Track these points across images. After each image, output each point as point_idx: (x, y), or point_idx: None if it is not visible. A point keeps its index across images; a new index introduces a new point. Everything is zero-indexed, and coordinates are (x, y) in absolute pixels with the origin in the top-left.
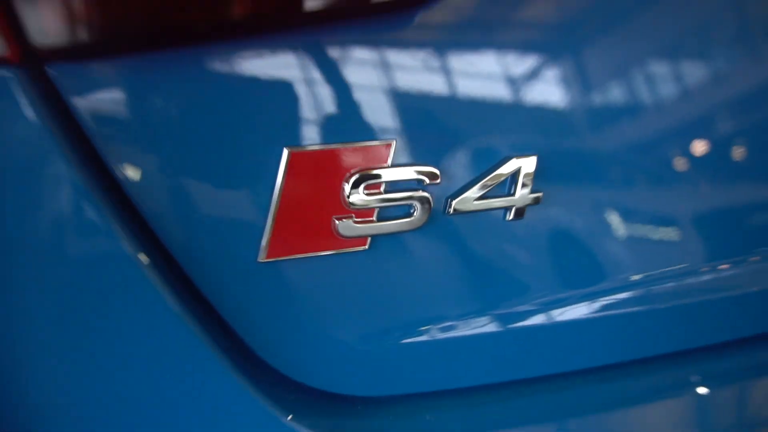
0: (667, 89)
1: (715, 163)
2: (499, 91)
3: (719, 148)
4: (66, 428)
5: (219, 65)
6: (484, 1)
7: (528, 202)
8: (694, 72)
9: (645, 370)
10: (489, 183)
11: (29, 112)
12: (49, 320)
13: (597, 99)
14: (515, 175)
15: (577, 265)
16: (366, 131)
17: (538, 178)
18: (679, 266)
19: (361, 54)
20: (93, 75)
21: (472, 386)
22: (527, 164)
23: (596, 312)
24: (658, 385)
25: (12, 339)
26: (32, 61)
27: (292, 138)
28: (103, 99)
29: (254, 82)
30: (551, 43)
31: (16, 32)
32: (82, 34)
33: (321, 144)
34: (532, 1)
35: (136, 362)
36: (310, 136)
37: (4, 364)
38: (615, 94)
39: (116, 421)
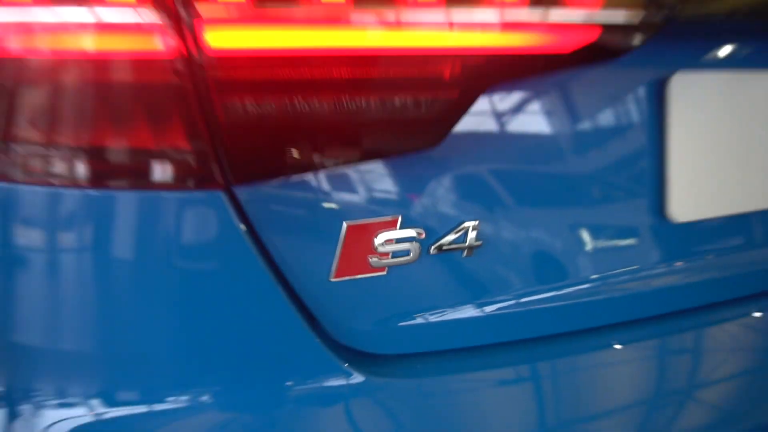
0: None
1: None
2: (454, 195)
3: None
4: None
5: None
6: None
7: (475, 245)
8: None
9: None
10: (452, 236)
11: (223, 228)
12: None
13: (512, 196)
14: (467, 231)
15: (505, 281)
16: (386, 211)
17: (481, 232)
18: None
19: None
20: (274, 194)
21: (461, 347)
22: (474, 225)
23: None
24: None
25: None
26: (227, 184)
27: (349, 216)
28: (280, 213)
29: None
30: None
31: (220, 162)
32: (273, 161)
33: (362, 219)
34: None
35: (262, 336)
36: (358, 216)
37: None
38: (525, 192)
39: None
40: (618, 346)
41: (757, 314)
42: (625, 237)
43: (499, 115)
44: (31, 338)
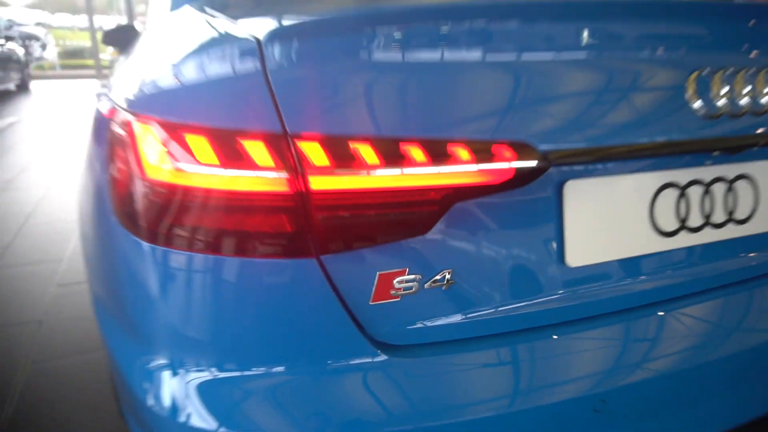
0: None
1: None
2: (437, 257)
3: None
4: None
5: None
6: None
7: (450, 282)
8: None
9: None
10: (437, 277)
11: (314, 276)
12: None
13: None
14: (444, 275)
15: (468, 301)
16: (399, 265)
17: (453, 275)
18: None
19: None
20: (341, 259)
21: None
22: (449, 272)
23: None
24: None
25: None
26: (317, 255)
27: (380, 268)
28: (345, 269)
29: None
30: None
31: (314, 243)
32: (342, 243)
33: (387, 270)
34: None
35: (333, 336)
36: (384, 268)
37: None
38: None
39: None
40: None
41: (621, 327)
42: (543, 275)
43: (462, 217)
44: (188, 332)
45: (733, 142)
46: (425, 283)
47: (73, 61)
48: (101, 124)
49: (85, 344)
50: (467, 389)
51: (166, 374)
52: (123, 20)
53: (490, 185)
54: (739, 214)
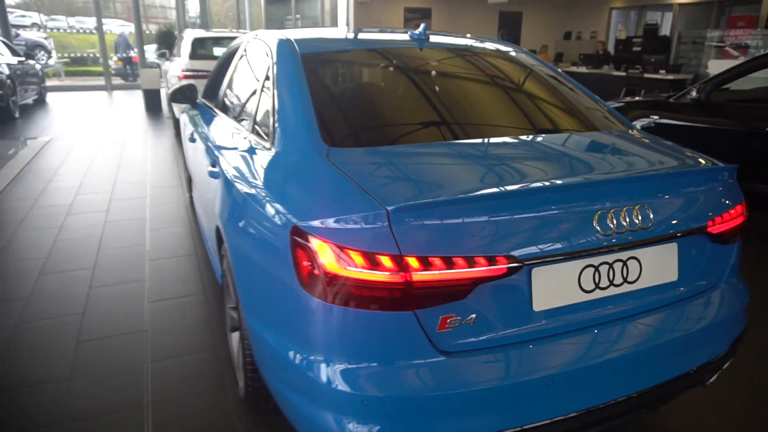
0: None
1: None
2: (467, 311)
3: None
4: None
5: None
6: None
7: (472, 319)
8: None
9: None
10: (469, 317)
11: (407, 321)
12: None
13: None
14: (471, 319)
15: (484, 327)
16: (450, 311)
17: (476, 317)
18: None
19: None
20: (426, 313)
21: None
22: (473, 317)
23: None
24: None
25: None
26: (413, 309)
27: (441, 314)
28: (429, 315)
29: None
30: None
31: (412, 304)
32: (425, 302)
33: (440, 316)
34: None
35: (415, 347)
36: (441, 314)
37: None
38: None
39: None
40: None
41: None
42: (522, 315)
43: (481, 290)
44: (335, 344)
45: (619, 246)
46: (462, 321)
47: (78, 68)
48: (276, 226)
49: (187, 347)
50: (483, 374)
51: (325, 363)
52: (125, 24)
53: (494, 276)
54: (630, 278)
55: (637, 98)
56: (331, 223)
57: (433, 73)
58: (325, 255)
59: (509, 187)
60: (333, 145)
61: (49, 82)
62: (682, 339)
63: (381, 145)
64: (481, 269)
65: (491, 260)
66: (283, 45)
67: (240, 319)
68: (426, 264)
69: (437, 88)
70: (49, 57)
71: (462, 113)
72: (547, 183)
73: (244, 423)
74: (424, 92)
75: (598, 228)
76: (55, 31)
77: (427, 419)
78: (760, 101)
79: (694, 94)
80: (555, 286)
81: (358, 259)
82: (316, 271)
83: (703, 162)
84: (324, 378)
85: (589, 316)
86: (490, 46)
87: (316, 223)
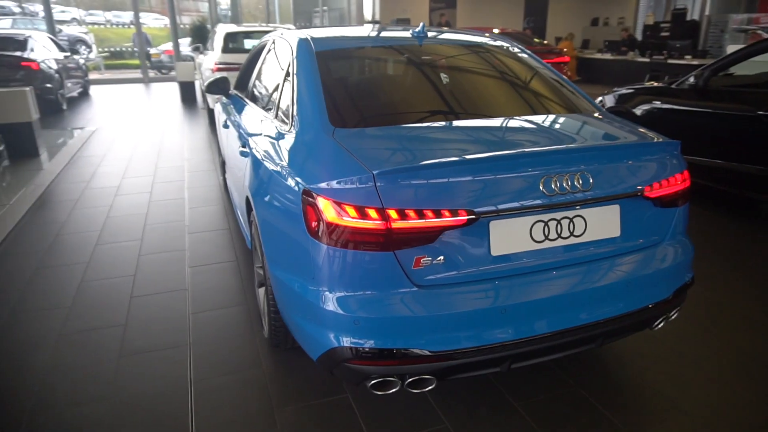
0: None
1: None
2: (437, 252)
3: None
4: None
5: None
6: None
7: (440, 261)
8: None
9: None
10: (440, 258)
11: (387, 258)
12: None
13: None
14: (440, 260)
15: (449, 265)
16: (426, 254)
17: (443, 258)
18: None
19: None
20: (405, 253)
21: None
22: (440, 258)
23: None
24: None
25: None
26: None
27: (416, 254)
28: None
29: None
30: None
31: (392, 245)
32: (404, 244)
33: (415, 256)
34: None
35: (392, 279)
36: (414, 255)
37: None
38: None
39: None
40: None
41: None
42: (482, 258)
43: (447, 236)
44: (336, 278)
45: (563, 205)
46: (433, 261)
47: (117, 61)
48: (291, 191)
49: (222, 303)
50: (449, 303)
51: (327, 293)
52: (159, 17)
53: (456, 225)
54: (576, 232)
55: (645, 84)
56: (333, 184)
57: (428, 65)
58: (328, 209)
59: (470, 156)
60: (338, 126)
61: (90, 76)
62: (621, 283)
63: (375, 126)
64: (445, 219)
65: (454, 213)
66: (302, 44)
67: (264, 273)
68: (403, 215)
69: (430, 78)
70: (90, 51)
71: (448, 99)
72: (501, 153)
73: (267, 359)
74: (418, 82)
75: (543, 190)
76: (93, 26)
77: (403, 336)
78: (757, 86)
79: (692, 80)
80: (509, 236)
81: (351, 211)
82: (320, 223)
83: (647, 138)
84: (326, 305)
85: (539, 261)
86: (481, 41)
87: (321, 185)
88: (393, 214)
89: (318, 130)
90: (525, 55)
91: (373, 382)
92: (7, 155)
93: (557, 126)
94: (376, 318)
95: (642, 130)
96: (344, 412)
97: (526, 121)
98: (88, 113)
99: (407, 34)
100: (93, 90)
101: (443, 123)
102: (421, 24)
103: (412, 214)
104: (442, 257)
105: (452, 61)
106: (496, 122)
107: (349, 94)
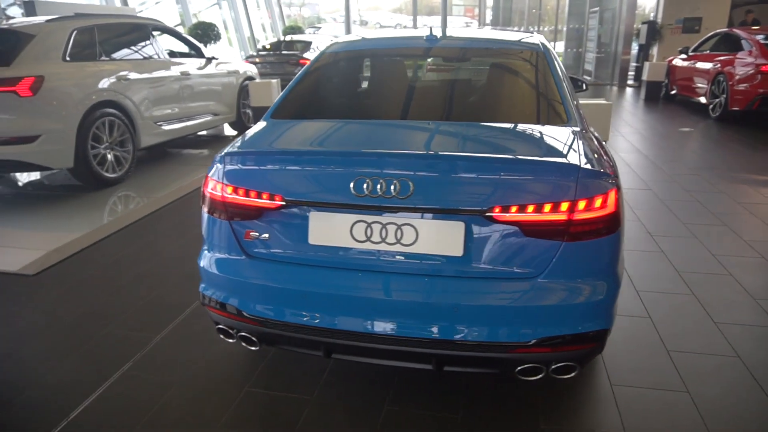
0: None
1: None
2: (261, 231)
3: None
4: None
5: None
6: None
7: (265, 237)
8: None
9: None
10: (265, 234)
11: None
12: None
13: None
14: (262, 237)
15: (274, 243)
16: (250, 228)
17: (267, 234)
18: None
19: None
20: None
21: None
22: (265, 235)
23: None
24: None
25: None
26: None
27: (246, 228)
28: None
29: None
30: None
31: None
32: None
33: (245, 229)
34: None
35: (230, 245)
36: (246, 229)
37: None
38: None
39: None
40: None
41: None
42: (298, 245)
43: (267, 217)
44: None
45: (375, 208)
46: (259, 236)
47: None
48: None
49: None
50: (266, 275)
51: (203, 249)
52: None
53: (273, 208)
54: (405, 241)
55: None
56: (216, 163)
57: (411, 68)
58: (205, 183)
59: (300, 148)
60: (272, 117)
61: None
62: (460, 307)
63: (297, 119)
64: (262, 201)
65: (271, 197)
66: (327, 46)
67: None
68: (234, 192)
69: (398, 81)
70: None
71: (393, 101)
72: (320, 149)
73: None
74: (381, 83)
75: (354, 190)
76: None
77: (233, 295)
78: None
79: None
80: (328, 230)
81: (210, 184)
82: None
83: (536, 157)
84: (199, 258)
85: (358, 260)
86: (479, 44)
87: (214, 164)
88: (228, 189)
89: (260, 120)
90: (526, 63)
91: (217, 327)
92: None
93: (461, 134)
94: (215, 274)
95: (560, 150)
96: None
97: (447, 126)
98: None
99: (420, 35)
100: None
101: (352, 120)
102: (429, 28)
103: (240, 191)
104: (267, 234)
105: (439, 67)
106: (406, 124)
107: (309, 91)
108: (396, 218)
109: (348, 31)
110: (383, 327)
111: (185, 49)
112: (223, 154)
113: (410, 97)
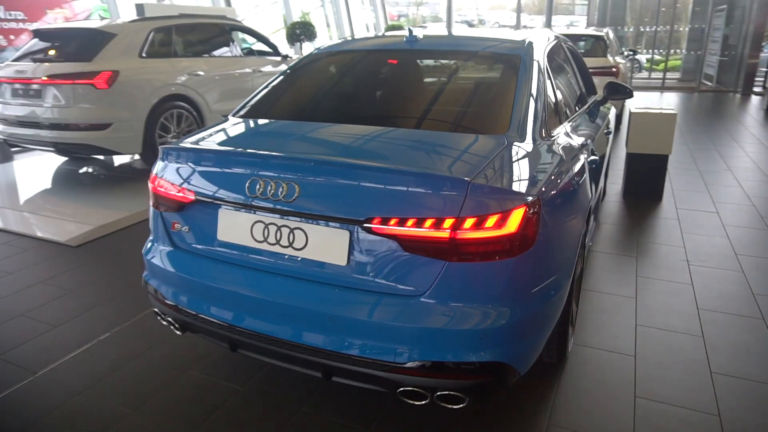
0: None
1: None
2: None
3: None
4: None
5: None
6: None
7: (186, 229)
8: None
9: None
10: (185, 228)
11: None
12: None
13: None
14: (185, 230)
15: (196, 237)
16: (176, 221)
17: (186, 226)
18: None
19: None
20: None
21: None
22: (187, 228)
23: None
24: None
25: None
26: None
27: (172, 221)
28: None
29: None
30: None
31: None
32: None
33: (175, 224)
34: None
35: (164, 238)
36: (174, 221)
37: None
38: None
39: None
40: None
41: None
42: (209, 239)
43: (187, 211)
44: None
45: (263, 209)
46: (182, 228)
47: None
48: None
49: None
50: (183, 266)
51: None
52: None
53: (188, 202)
54: (296, 245)
55: None
56: (159, 155)
57: (383, 72)
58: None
59: (214, 147)
60: (233, 115)
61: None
62: (342, 319)
63: (251, 118)
64: (178, 195)
65: (185, 192)
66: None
67: None
68: (160, 183)
69: (361, 83)
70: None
71: (336, 104)
72: (225, 149)
73: None
74: (344, 85)
75: (248, 191)
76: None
77: (160, 282)
78: None
79: None
80: (232, 227)
81: (151, 175)
82: None
83: (427, 169)
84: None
85: (257, 260)
86: (453, 48)
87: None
88: (160, 182)
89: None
90: (498, 66)
91: (154, 310)
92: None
93: (374, 140)
94: (153, 263)
95: (436, 161)
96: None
97: (367, 130)
98: None
99: (400, 38)
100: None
101: (287, 122)
102: (408, 29)
103: (164, 183)
104: (187, 227)
105: (404, 68)
106: (340, 129)
107: (279, 91)
108: (288, 222)
109: (449, 31)
110: (273, 329)
111: (264, 48)
112: (163, 147)
113: (357, 100)
